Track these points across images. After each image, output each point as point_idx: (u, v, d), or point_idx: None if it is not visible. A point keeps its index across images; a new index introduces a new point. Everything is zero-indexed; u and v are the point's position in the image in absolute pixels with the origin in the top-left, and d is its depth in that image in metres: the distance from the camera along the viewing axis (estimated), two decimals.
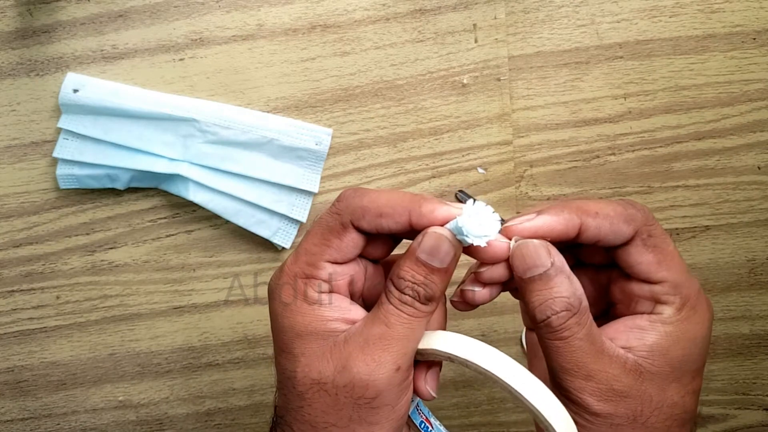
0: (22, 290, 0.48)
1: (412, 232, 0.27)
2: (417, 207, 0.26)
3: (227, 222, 0.46)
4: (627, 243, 0.26)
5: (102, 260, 0.47)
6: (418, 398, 0.30)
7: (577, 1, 0.44)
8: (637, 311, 0.27)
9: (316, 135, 0.45)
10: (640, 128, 0.46)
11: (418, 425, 0.30)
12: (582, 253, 0.30)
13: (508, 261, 0.27)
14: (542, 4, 0.44)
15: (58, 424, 0.50)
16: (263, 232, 0.46)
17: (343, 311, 0.27)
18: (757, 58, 0.45)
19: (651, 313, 0.26)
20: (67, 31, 0.44)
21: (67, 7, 0.44)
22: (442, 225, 0.26)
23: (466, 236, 0.25)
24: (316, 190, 0.46)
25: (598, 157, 0.46)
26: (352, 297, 0.29)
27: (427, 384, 0.29)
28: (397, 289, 0.26)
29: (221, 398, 0.50)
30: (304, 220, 0.46)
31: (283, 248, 0.47)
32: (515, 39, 0.45)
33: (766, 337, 0.49)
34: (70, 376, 0.49)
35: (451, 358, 0.26)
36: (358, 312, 0.27)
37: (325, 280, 0.27)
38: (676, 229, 0.47)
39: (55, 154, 0.45)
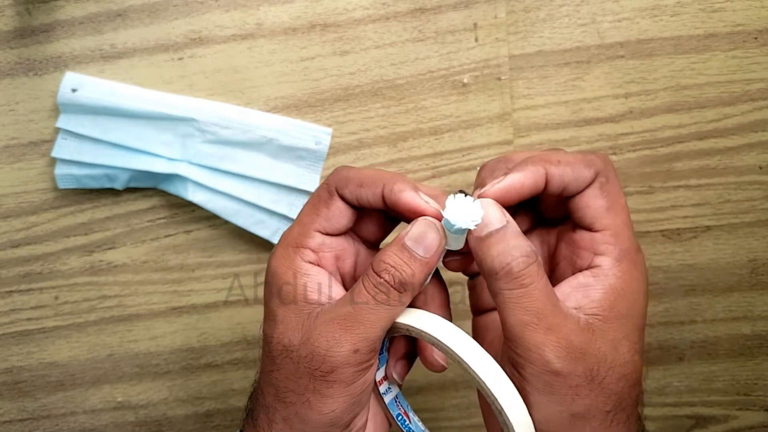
0: (20, 290, 0.48)
1: (394, 211, 0.28)
2: (390, 183, 0.27)
3: (226, 222, 0.46)
4: (585, 187, 0.27)
5: (100, 260, 0.47)
6: (398, 390, 0.31)
7: (578, 0, 0.44)
8: (578, 267, 0.27)
9: (315, 134, 0.45)
10: (642, 128, 0.46)
11: (395, 417, 0.30)
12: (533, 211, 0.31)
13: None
14: (543, 3, 0.44)
15: (57, 425, 0.50)
16: (262, 232, 0.46)
17: (324, 286, 0.28)
18: (758, 57, 0.45)
19: (591, 266, 0.27)
20: (66, 30, 0.44)
21: (66, 6, 0.44)
22: (410, 210, 0.27)
23: (456, 225, 0.26)
24: None
25: None
26: (342, 276, 0.29)
27: (394, 370, 0.30)
28: (374, 271, 0.26)
29: (220, 399, 0.50)
30: None
31: None
32: (516, 38, 0.45)
33: (767, 337, 0.49)
34: (69, 376, 0.49)
35: (410, 331, 0.27)
36: (337, 290, 0.28)
37: (313, 250, 0.28)
38: (678, 229, 0.47)
39: (53, 154, 0.44)
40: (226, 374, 0.49)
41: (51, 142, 0.45)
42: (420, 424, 0.31)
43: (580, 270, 0.27)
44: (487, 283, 0.27)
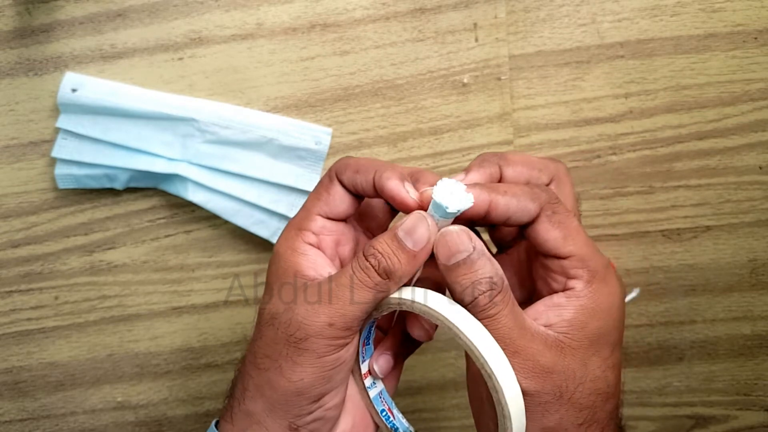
0: (20, 290, 0.48)
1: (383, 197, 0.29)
2: (381, 170, 0.29)
3: (226, 222, 0.46)
4: (534, 221, 0.28)
5: (100, 260, 0.47)
6: (382, 387, 0.32)
7: (578, 0, 0.44)
8: (553, 289, 0.28)
9: (315, 134, 0.45)
10: (642, 128, 0.46)
11: (379, 412, 0.31)
12: (503, 236, 0.32)
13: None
14: (543, 3, 0.44)
15: (57, 425, 0.50)
16: (262, 232, 0.46)
17: (318, 266, 0.29)
18: (758, 57, 0.45)
19: (565, 289, 0.28)
20: (66, 30, 0.44)
21: (66, 6, 0.44)
22: (392, 197, 0.28)
23: (447, 208, 0.26)
24: None
25: (599, 156, 0.46)
26: (341, 261, 0.31)
27: (376, 363, 0.31)
28: (363, 255, 0.27)
29: (221, 399, 0.50)
30: None
31: None
32: (516, 38, 0.45)
33: (767, 337, 0.49)
34: (69, 376, 0.49)
35: (401, 304, 0.28)
36: (331, 270, 0.29)
37: (314, 232, 0.30)
38: (678, 229, 0.47)
39: (53, 154, 0.44)
40: (226, 374, 0.49)
41: (51, 142, 0.45)
42: (404, 420, 0.32)
43: (555, 292, 0.28)
44: None
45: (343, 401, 0.30)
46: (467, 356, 0.30)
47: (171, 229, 0.47)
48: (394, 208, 0.31)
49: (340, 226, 0.31)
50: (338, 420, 0.30)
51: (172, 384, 0.49)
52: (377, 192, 0.29)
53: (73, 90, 0.44)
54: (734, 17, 0.44)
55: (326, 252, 0.30)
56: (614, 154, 0.46)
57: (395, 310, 0.29)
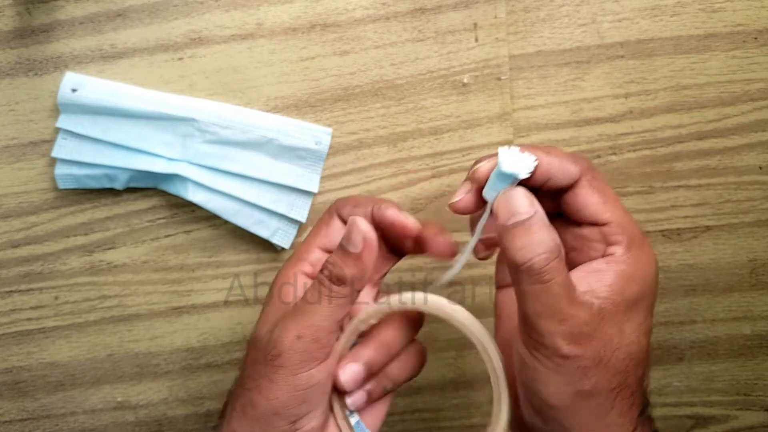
0: (20, 290, 0.48)
1: (380, 227, 0.32)
2: (378, 203, 0.32)
3: (226, 222, 0.46)
4: (574, 186, 0.29)
5: (100, 260, 0.47)
6: (358, 417, 0.33)
7: (578, 0, 0.44)
8: (591, 257, 0.29)
9: (315, 134, 0.45)
10: (642, 128, 0.46)
11: None
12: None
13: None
14: (543, 3, 0.44)
15: (57, 425, 0.50)
16: (262, 232, 0.46)
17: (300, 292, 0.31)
18: (758, 57, 0.45)
19: (605, 255, 0.28)
20: (66, 30, 0.44)
21: (66, 6, 0.44)
22: (392, 223, 0.31)
23: (516, 174, 0.27)
24: (315, 190, 0.46)
25: (599, 156, 0.46)
26: None
27: (349, 397, 0.32)
28: (320, 269, 0.30)
29: (221, 399, 0.50)
30: (303, 220, 0.46)
31: (283, 249, 0.47)
32: (516, 38, 0.45)
33: (767, 337, 0.49)
34: (69, 376, 0.49)
35: (391, 305, 0.31)
36: None
37: (311, 263, 0.32)
38: (678, 229, 0.47)
39: (53, 154, 0.44)
40: (226, 374, 0.49)
41: (51, 142, 0.45)
42: None
43: (592, 260, 0.29)
44: (509, 271, 0.28)
45: (321, 427, 0.31)
46: None
47: (171, 229, 0.47)
48: (393, 251, 0.34)
49: None
50: None
51: (172, 384, 0.49)
52: (376, 222, 0.31)
53: (73, 90, 0.44)
54: (734, 17, 0.44)
55: None
56: (614, 154, 0.46)
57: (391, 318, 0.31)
